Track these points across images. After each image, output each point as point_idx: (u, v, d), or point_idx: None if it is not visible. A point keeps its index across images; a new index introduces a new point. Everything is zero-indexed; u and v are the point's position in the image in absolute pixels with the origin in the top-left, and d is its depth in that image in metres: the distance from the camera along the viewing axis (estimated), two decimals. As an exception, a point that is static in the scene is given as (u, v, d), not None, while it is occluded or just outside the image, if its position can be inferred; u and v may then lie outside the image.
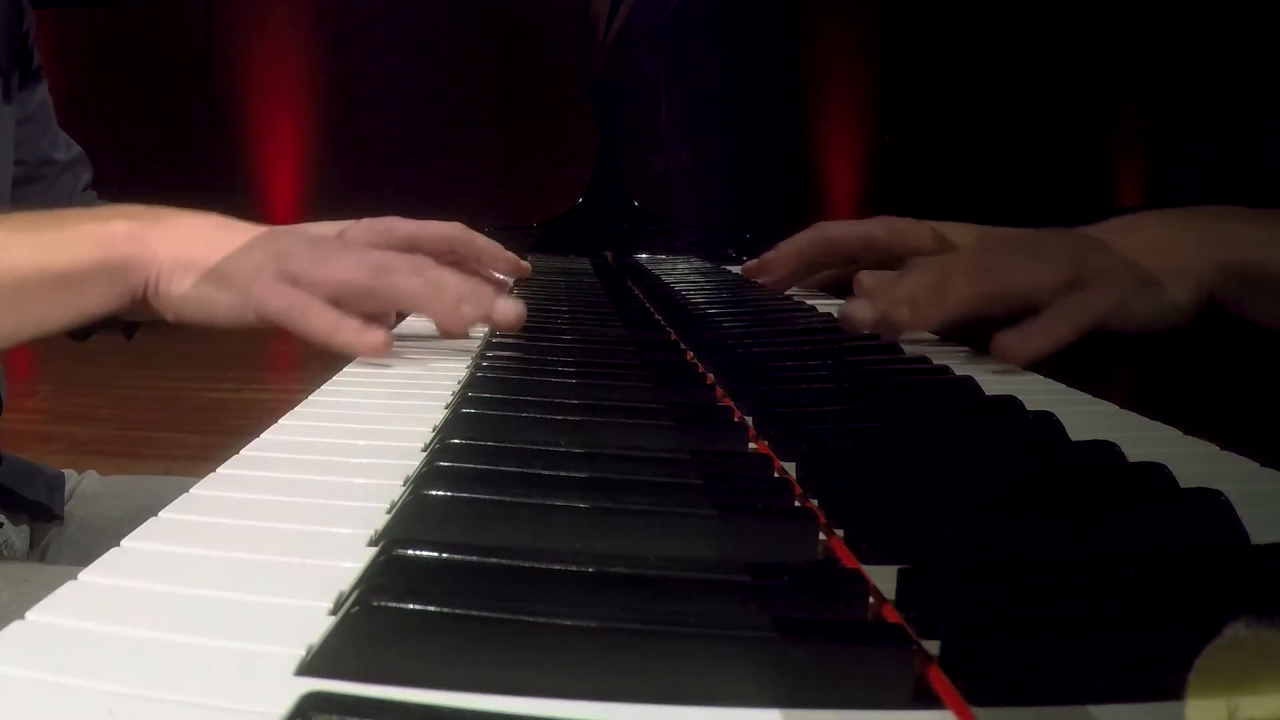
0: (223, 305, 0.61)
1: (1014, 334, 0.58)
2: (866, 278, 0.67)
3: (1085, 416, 0.45)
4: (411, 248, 0.72)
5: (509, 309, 0.64)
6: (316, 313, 0.60)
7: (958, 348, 0.66)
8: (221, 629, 0.25)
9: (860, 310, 0.63)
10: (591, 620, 0.23)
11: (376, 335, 0.60)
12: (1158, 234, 0.60)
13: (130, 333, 0.90)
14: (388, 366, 0.60)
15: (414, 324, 0.77)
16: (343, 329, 0.60)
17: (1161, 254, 0.59)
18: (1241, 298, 0.58)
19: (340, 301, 0.60)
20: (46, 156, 0.92)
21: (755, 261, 0.99)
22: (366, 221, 0.79)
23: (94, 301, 0.61)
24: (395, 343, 0.68)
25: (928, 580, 0.26)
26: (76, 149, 0.97)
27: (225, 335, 0.64)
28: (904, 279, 0.63)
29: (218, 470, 0.38)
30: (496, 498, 0.32)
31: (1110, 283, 0.58)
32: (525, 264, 0.97)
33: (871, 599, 0.27)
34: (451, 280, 0.63)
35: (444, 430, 0.42)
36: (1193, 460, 0.38)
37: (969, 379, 0.51)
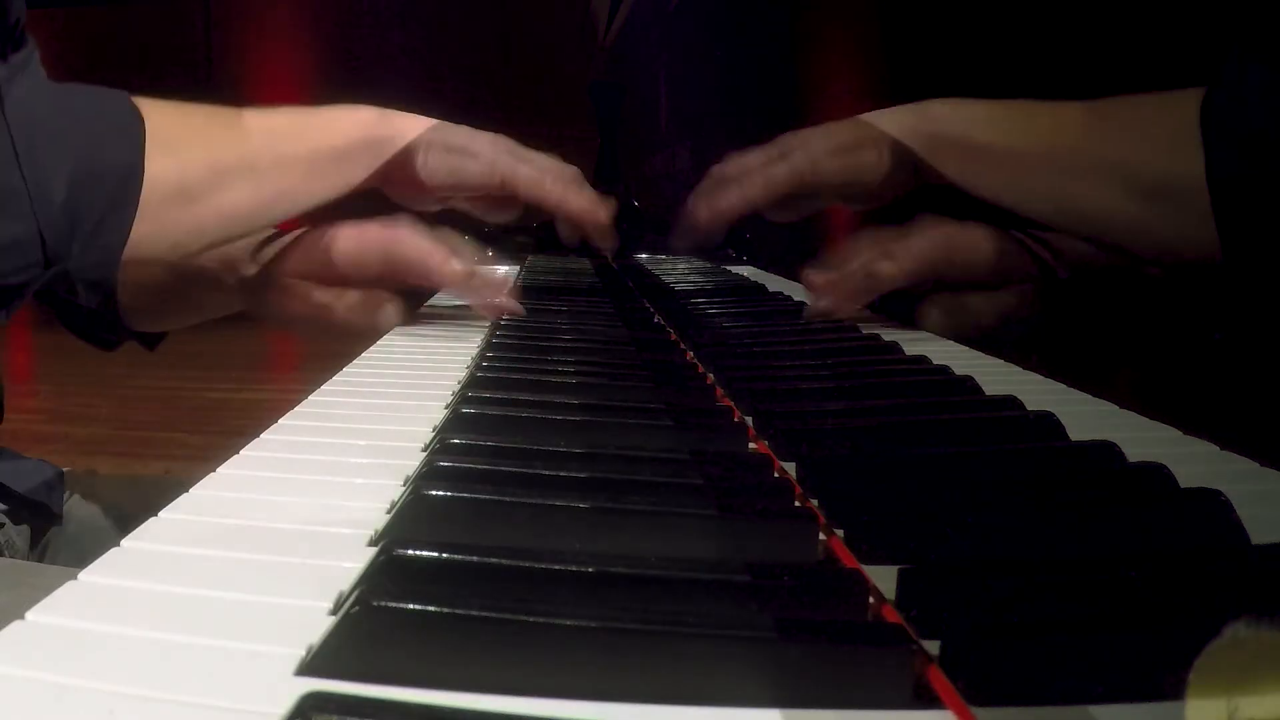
0: (473, 172, 0.74)
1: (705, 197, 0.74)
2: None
3: (1085, 416, 0.45)
4: None
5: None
6: (554, 179, 0.75)
7: (958, 347, 0.66)
8: (221, 629, 0.25)
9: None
10: (591, 620, 0.23)
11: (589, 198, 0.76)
12: (866, 117, 0.73)
13: (153, 345, 0.91)
14: (388, 366, 0.60)
15: (414, 325, 0.77)
16: (573, 193, 0.75)
17: (861, 126, 0.72)
18: (944, 164, 0.68)
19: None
20: None
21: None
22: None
23: (359, 175, 0.71)
24: (394, 343, 0.68)
25: (928, 580, 0.26)
26: None
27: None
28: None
29: (218, 470, 0.38)
30: (496, 497, 0.32)
31: (801, 147, 0.73)
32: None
33: (871, 599, 0.27)
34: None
35: (444, 430, 0.42)
36: (1193, 460, 0.38)
37: (969, 379, 0.51)
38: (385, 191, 0.75)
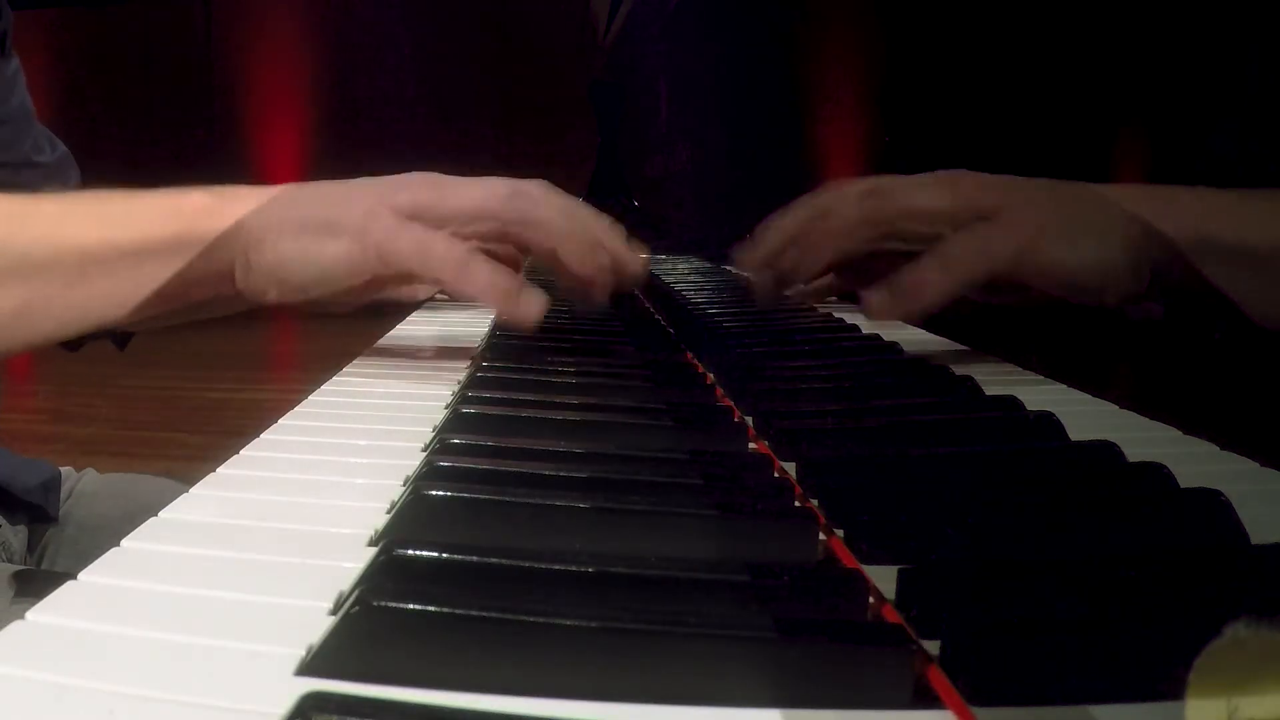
0: (336, 256, 0.53)
1: (913, 273, 0.53)
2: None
3: (1085, 416, 0.45)
4: None
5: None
6: (457, 257, 0.53)
7: (958, 347, 0.66)
8: (221, 629, 0.25)
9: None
10: (591, 620, 0.23)
11: (531, 302, 0.54)
12: (1097, 192, 0.54)
13: (123, 344, 0.89)
14: (388, 366, 0.60)
15: (414, 324, 0.77)
16: (496, 281, 0.53)
17: (1096, 209, 0.53)
18: (1191, 276, 0.51)
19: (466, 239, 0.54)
20: (28, 158, 0.90)
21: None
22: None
23: (170, 282, 0.53)
24: (395, 343, 0.68)
25: (928, 580, 0.26)
26: (61, 149, 0.93)
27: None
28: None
29: (218, 470, 0.38)
30: (496, 497, 0.32)
31: (1020, 221, 0.52)
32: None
33: (871, 599, 0.27)
34: (590, 219, 0.57)
35: (444, 430, 0.42)
36: (1193, 460, 0.38)
37: (969, 379, 0.51)
38: (238, 301, 0.57)
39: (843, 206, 0.57)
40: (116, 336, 0.88)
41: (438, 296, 0.91)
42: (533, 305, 0.55)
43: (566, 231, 0.55)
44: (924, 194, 0.54)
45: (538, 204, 0.55)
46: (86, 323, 0.54)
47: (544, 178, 0.57)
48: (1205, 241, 0.51)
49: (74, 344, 0.84)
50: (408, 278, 0.55)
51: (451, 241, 0.53)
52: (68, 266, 0.52)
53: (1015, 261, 0.52)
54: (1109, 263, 0.52)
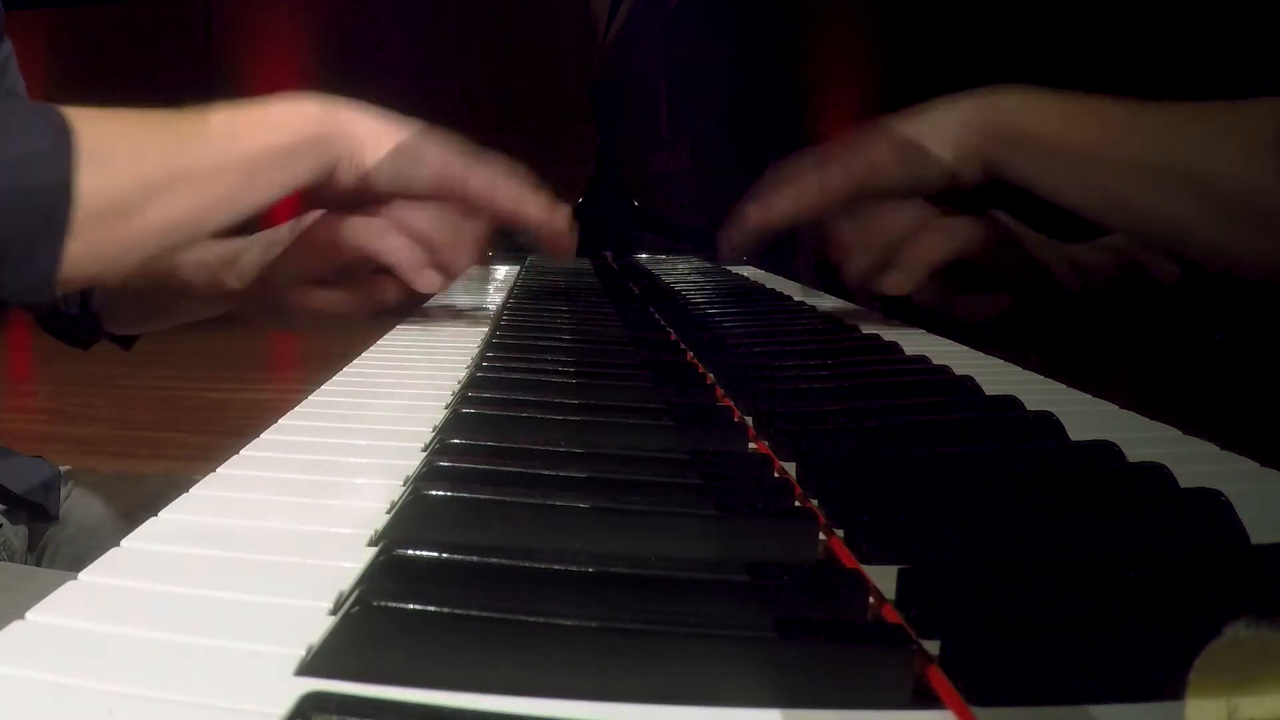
0: (423, 178, 0.69)
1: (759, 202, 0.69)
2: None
3: (1085, 416, 0.45)
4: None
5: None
6: (507, 185, 0.72)
7: (958, 347, 0.66)
8: (221, 629, 0.25)
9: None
10: (591, 620, 0.23)
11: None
12: (933, 104, 0.66)
13: (128, 344, 0.90)
14: (388, 365, 0.60)
15: (414, 325, 0.77)
16: (528, 199, 0.73)
17: (924, 120, 0.65)
18: (1011, 160, 0.61)
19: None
20: None
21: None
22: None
23: (305, 173, 0.66)
24: (394, 343, 0.68)
25: (928, 580, 0.26)
26: None
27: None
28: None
29: (218, 470, 0.38)
30: (496, 497, 0.32)
31: (859, 148, 0.67)
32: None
33: (871, 599, 0.27)
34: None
35: (444, 430, 0.42)
36: (1193, 460, 0.38)
37: (969, 379, 0.51)
38: (319, 197, 0.71)
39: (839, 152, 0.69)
40: (123, 338, 0.88)
41: (437, 298, 0.91)
42: (549, 207, 0.74)
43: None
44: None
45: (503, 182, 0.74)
46: (258, 206, 0.65)
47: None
48: (1009, 134, 0.61)
49: (84, 344, 0.85)
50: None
51: (495, 176, 0.73)
52: (239, 171, 0.63)
53: (864, 176, 0.67)
54: (945, 161, 0.64)
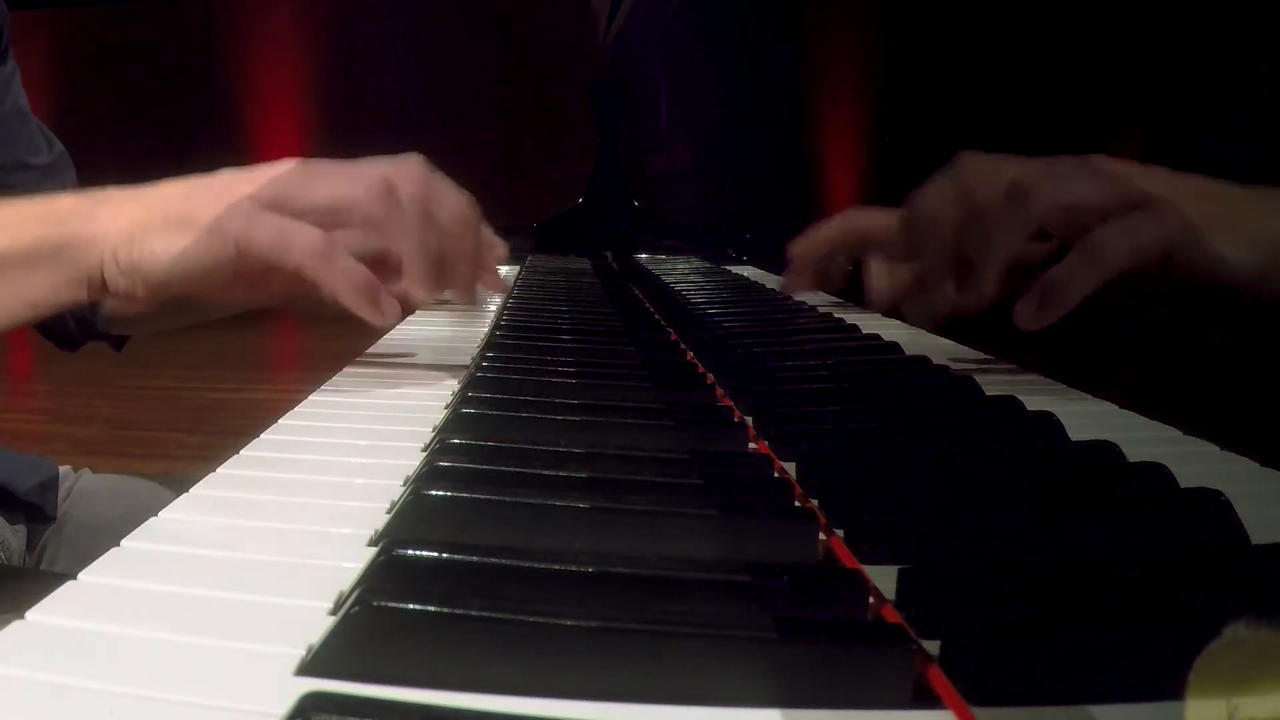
0: (195, 249, 0.51)
1: (1062, 271, 0.50)
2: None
3: (1085, 416, 0.45)
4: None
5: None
6: (316, 246, 0.50)
7: (959, 347, 0.66)
8: (221, 629, 0.25)
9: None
10: (591, 620, 0.23)
11: (389, 308, 0.52)
12: (1242, 190, 0.51)
13: (120, 345, 0.89)
14: (388, 366, 0.60)
15: (414, 325, 0.77)
16: (355, 283, 0.51)
17: (1244, 204, 0.50)
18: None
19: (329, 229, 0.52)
20: (20, 161, 0.90)
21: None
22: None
23: (41, 289, 0.53)
24: (394, 343, 0.68)
25: (928, 580, 0.26)
26: (59, 148, 0.92)
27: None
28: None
29: (218, 470, 0.38)
30: (496, 497, 0.32)
31: (1174, 209, 0.48)
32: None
33: (871, 599, 0.27)
34: (447, 225, 0.55)
35: (444, 430, 0.42)
36: (1193, 460, 0.38)
37: (969, 379, 0.51)
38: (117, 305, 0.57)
39: (988, 211, 0.53)
40: (114, 337, 0.88)
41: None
42: (390, 311, 0.53)
43: (416, 245, 0.54)
44: (1076, 188, 0.51)
45: (398, 206, 0.54)
46: None
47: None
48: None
49: (72, 345, 0.84)
50: (284, 274, 0.52)
51: (312, 231, 0.51)
52: None
53: (1168, 250, 0.49)
54: (1261, 258, 0.49)
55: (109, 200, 0.54)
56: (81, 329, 0.85)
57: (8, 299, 0.53)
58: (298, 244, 0.50)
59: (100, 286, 0.53)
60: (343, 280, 0.51)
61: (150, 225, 0.52)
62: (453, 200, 0.57)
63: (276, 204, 0.52)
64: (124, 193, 0.54)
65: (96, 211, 0.53)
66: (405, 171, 0.55)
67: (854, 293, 0.89)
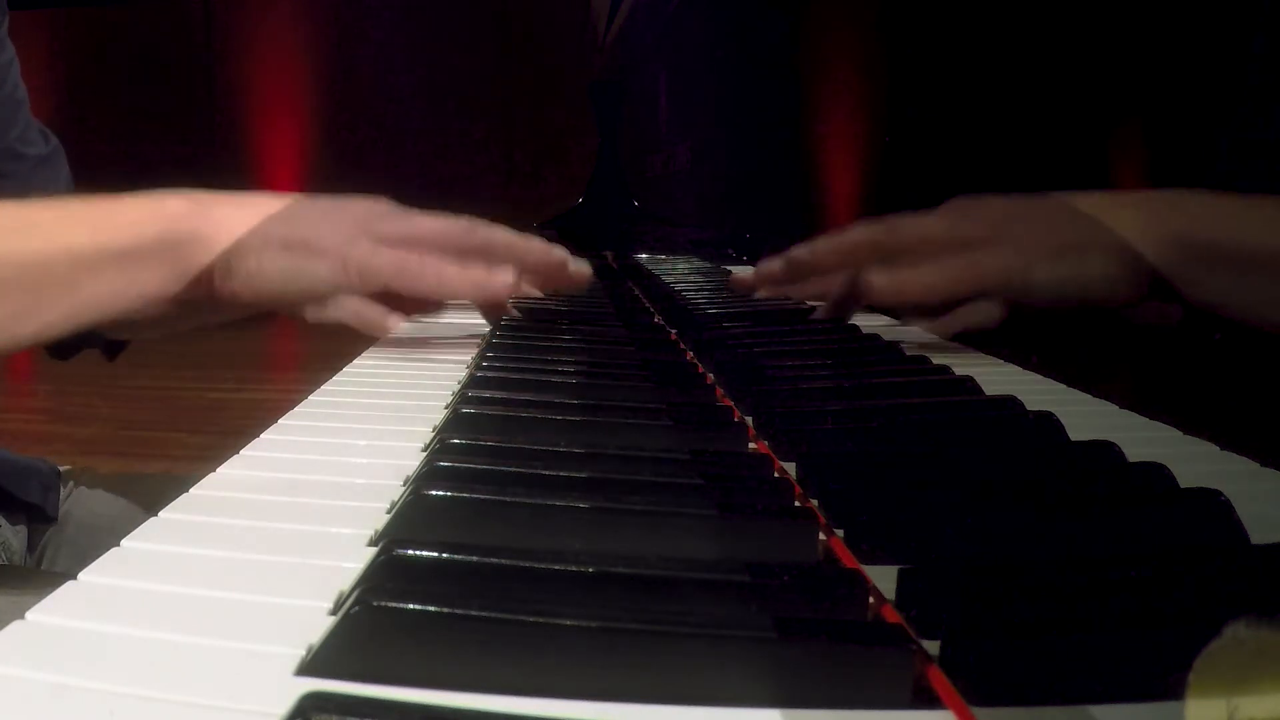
0: (320, 274, 0.59)
1: (884, 271, 0.60)
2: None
3: (1085, 416, 0.45)
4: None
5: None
6: (432, 265, 0.60)
7: (959, 347, 0.66)
8: (221, 629, 0.25)
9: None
10: (591, 620, 0.23)
11: (502, 275, 0.62)
12: (1102, 206, 0.56)
13: (114, 355, 0.88)
14: (388, 366, 0.60)
15: (414, 325, 0.77)
16: (467, 274, 0.61)
17: (1084, 223, 0.56)
18: (1192, 277, 0.52)
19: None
20: (13, 150, 0.89)
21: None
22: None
23: (154, 283, 0.57)
24: (395, 343, 0.68)
25: (928, 580, 0.26)
26: (54, 142, 0.92)
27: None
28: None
29: (218, 470, 0.38)
30: (496, 497, 0.32)
31: (1007, 247, 0.57)
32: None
33: (871, 599, 0.27)
34: (538, 241, 0.66)
35: (444, 430, 0.42)
36: (1193, 460, 0.38)
37: (969, 379, 0.51)
38: (209, 304, 0.60)
39: (856, 233, 0.66)
40: (106, 346, 0.87)
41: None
42: (505, 277, 0.62)
43: (525, 248, 0.64)
44: (924, 223, 0.60)
45: (494, 230, 0.64)
46: (77, 323, 0.57)
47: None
48: (1200, 244, 0.52)
49: (65, 354, 0.84)
50: (386, 295, 0.61)
51: (424, 256, 0.60)
52: (60, 272, 0.55)
53: (1004, 283, 0.58)
54: (1099, 273, 0.55)
55: (218, 205, 0.59)
56: (77, 336, 0.84)
57: (125, 290, 0.57)
58: (412, 267, 0.60)
59: (208, 286, 0.58)
60: (458, 280, 0.61)
61: (272, 242, 0.58)
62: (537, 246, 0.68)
63: (389, 239, 0.60)
64: (229, 200, 0.60)
65: (211, 214, 0.58)
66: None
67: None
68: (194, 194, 0.59)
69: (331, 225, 0.60)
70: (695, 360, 0.62)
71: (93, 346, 0.85)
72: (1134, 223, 0.54)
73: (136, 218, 0.57)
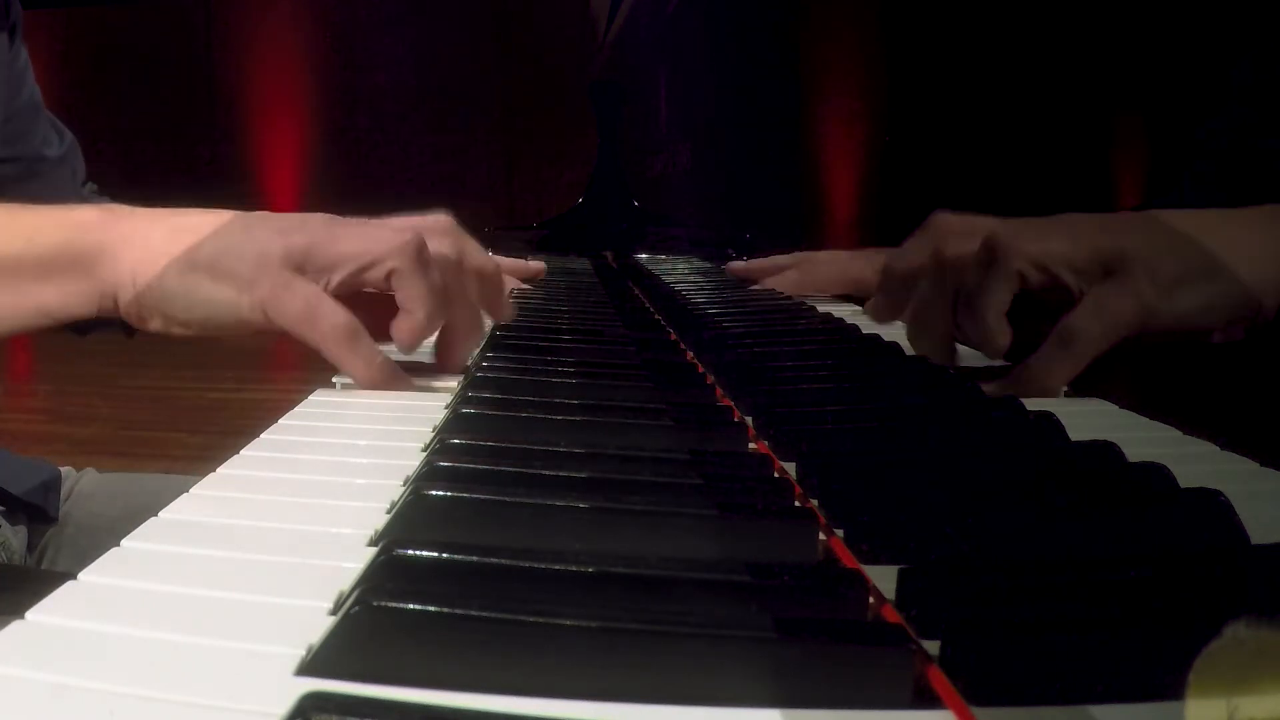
0: (221, 302, 0.51)
1: (1039, 361, 0.52)
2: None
3: (1085, 416, 0.45)
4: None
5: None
6: (335, 329, 0.51)
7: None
8: (221, 629, 0.25)
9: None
10: (591, 620, 0.23)
11: (407, 383, 0.54)
12: (1224, 223, 0.53)
13: (131, 332, 0.89)
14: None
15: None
16: (358, 353, 0.52)
17: (1229, 242, 0.52)
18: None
19: (356, 288, 0.52)
20: (39, 153, 0.90)
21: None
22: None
23: (54, 298, 0.52)
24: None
25: (928, 580, 0.26)
26: (69, 138, 0.93)
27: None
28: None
29: (218, 470, 0.38)
30: (496, 497, 0.32)
31: (1142, 279, 0.51)
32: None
33: (871, 599, 0.27)
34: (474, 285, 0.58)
35: (444, 430, 0.42)
36: (1193, 460, 0.38)
37: (969, 379, 0.51)
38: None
39: (960, 257, 0.56)
40: (125, 324, 0.87)
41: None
42: (399, 384, 0.54)
43: (433, 308, 0.53)
44: (1047, 243, 0.53)
45: (425, 267, 0.53)
46: None
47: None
48: None
49: (83, 330, 0.84)
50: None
51: (340, 314, 0.51)
52: None
53: (1142, 323, 0.52)
54: (1231, 297, 0.52)
55: (131, 218, 0.53)
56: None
57: (20, 303, 0.52)
58: (324, 323, 0.51)
59: (113, 304, 0.52)
60: (362, 367, 0.52)
61: (176, 262, 0.51)
62: (482, 260, 0.59)
63: (307, 259, 0.51)
64: (146, 213, 0.54)
65: (119, 227, 0.52)
66: (434, 227, 0.56)
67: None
68: (108, 206, 0.55)
69: (245, 243, 0.51)
70: (695, 360, 0.62)
71: (111, 325, 0.85)
72: (1248, 242, 0.52)
73: (35, 226, 0.52)
